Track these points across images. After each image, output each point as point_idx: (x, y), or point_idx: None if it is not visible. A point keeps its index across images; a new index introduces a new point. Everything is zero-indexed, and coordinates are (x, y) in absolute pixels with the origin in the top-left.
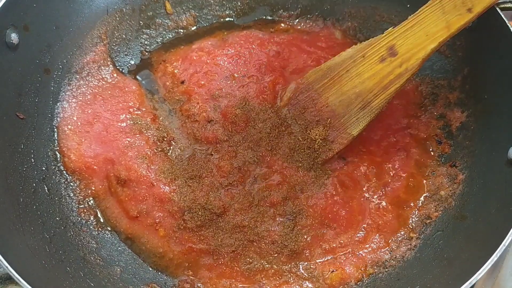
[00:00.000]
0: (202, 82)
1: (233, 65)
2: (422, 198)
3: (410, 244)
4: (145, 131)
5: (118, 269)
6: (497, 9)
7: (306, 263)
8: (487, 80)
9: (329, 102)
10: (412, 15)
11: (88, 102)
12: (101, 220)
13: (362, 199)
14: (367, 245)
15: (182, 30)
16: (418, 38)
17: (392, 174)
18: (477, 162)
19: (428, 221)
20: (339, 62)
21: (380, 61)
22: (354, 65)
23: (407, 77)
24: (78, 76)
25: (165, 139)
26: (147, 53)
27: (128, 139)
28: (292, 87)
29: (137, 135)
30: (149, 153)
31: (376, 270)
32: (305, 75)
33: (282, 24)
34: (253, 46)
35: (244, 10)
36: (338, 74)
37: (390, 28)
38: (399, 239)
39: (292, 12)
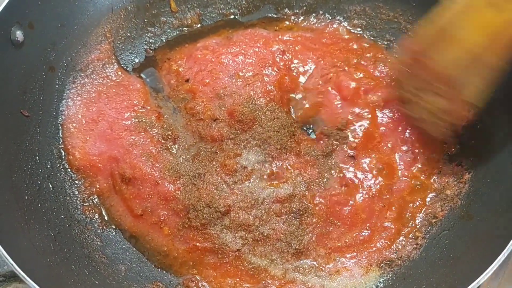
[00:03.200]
0: (207, 81)
1: (238, 64)
2: (428, 198)
3: (416, 244)
4: (149, 129)
5: (123, 267)
6: None
7: (311, 261)
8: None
9: (443, 66)
10: None
11: (93, 100)
12: (106, 218)
13: (367, 197)
14: (372, 244)
15: (186, 28)
16: None
17: (398, 174)
18: (483, 161)
19: (434, 220)
20: (449, 17)
21: (488, 5)
22: (465, 18)
23: None
24: (82, 74)
25: (169, 137)
26: (151, 51)
27: (133, 137)
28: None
29: (142, 133)
30: (154, 151)
31: (382, 270)
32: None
33: (287, 22)
34: (258, 44)
35: (249, 8)
36: (451, 33)
37: None
38: (405, 238)
39: (297, 11)
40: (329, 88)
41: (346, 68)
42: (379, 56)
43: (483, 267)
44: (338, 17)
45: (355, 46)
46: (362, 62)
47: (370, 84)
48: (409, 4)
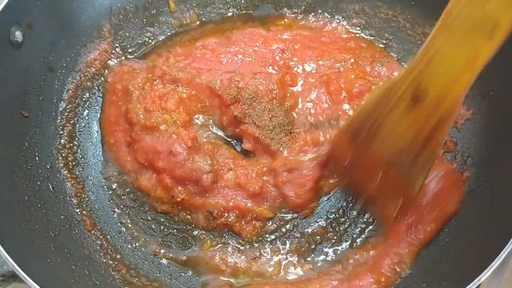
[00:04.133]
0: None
1: (238, 63)
2: None
3: None
4: None
5: (124, 268)
6: None
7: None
8: (493, 77)
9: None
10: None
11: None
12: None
13: None
14: None
15: (185, 28)
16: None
17: None
18: (483, 159)
19: None
20: (370, 109)
21: (409, 111)
22: (386, 115)
23: (450, 121)
24: (82, 74)
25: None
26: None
27: None
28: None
29: None
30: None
31: None
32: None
33: (286, 20)
34: (257, 43)
35: (248, 8)
36: (374, 123)
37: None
38: None
39: (296, 10)
40: (322, 90)
41: (342, 69)
42: (377, 56)
43: (483, 266)
44: (337, 16)
45: (353, 45)
46: (360, 62)
47: (366, 86)
48: (408, 3)
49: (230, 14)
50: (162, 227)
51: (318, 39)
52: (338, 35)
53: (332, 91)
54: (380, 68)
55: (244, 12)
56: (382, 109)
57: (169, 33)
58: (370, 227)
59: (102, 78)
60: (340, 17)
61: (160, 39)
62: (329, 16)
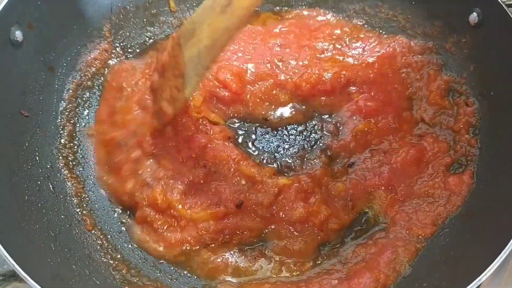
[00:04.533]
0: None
1: (238, 60)
2: None
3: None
4: None
5: (124, 267)
6: (503, 6)
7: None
8: (493, 77)
9: (185, 59)
10: None
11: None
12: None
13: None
14: None
15: None
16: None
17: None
18: (483, 159)
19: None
20: (201, 14)
21: (219, 13)
22: (203, 20)
23: (232, 33)
24: (82, 74)
25: None
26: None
27: None
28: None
29: None
30: None
31: None
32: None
33: (288, 16)
34: (256, 41)
35: None
36: (198, 27)
37: None
38: None
39: (297, 11)
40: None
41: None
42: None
43: (484, 266)
44: (338, 16)
45: (338, 31)
46: (337, 45)
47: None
48: (409, 2)
49: None
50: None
51: (315, 36)
52: (326, 22)
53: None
54: (355, 43)
55: None
56: (204, 15)
57: (169, 33)
58: (370, 226)
59: (102, 77)
60: (341, 17)
61: (160, 38)
62: (330, 16)
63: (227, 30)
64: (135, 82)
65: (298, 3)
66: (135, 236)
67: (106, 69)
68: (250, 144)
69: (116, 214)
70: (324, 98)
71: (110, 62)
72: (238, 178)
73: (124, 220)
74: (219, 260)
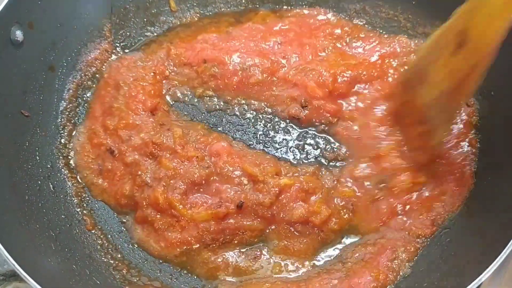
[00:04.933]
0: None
1: (238, 58)
2: None
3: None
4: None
5: (124, 267)
6: None
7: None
8: (493, 77)
9: (421, 102)
10: None
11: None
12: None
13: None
14: None
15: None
16: (484, 15)
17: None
18: (483, 158)
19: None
20: (421, 58)
21: (453, 54)
22: (434, 61)
23: (482, 68)
24: (82, 74)
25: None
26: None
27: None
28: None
29: None
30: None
31: None
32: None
33: (288, 14)
34: (256, 38)
35: (248, 7)
36: (431, 69)
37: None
38: None
39: (298, 10)
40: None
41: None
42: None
43: (484, 266)
44: (339, 15)
45: (339, 31)
46: (338, 45)
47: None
48: (409, 2)
49: (231, 13)
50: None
51: (315, 35)
52: (326, 21)
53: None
54: (356, 43)
55: (244, 10)
56: (433, 55)
57: (169, 33)
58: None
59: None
60: (341, 16)
61: (160, 37)
62: (331, 15)
63: (468, 73)
64: (134, 78)
65: (298, 2)
66: (136, 236)
67: (106, 68)
68: (252, 143)
69: (116, 214)
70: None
71: (111, 61)
72: (240, 178)
73: (124, 220)
74: (219, 260)
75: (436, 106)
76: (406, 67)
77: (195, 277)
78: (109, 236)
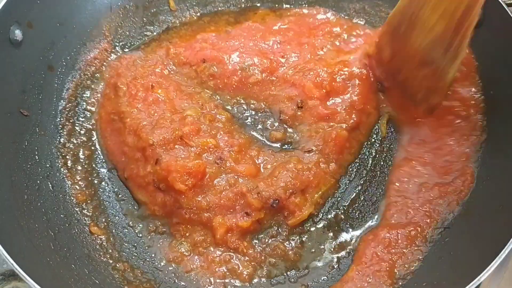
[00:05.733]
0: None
1: (238, 57)
2: None
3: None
4: None
5: (123, 266)
6: (504, 5)
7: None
8: (494, 76)
9: (419, 43)
10: None
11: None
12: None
13: None
14: None
15: (185, 27)
16: None
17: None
18: (483, 158)
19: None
20: (407, 4)
21: None
22: (422, 5)
23: (477, 7)
24: (82, 73)
25: None
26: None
27: None
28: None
29: None
30: None
31: None
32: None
33: (287, 13)
34: (255, 37)
35: (247, 6)
36: (413, 16)
37: None
38: None
39: (297, 10)
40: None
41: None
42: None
43: (483, 266)
44: (338, 14)
45: (338, 29)
46: (336, 43)
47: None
48: None
49: (230, 12)
50: (162, 227)
51: (314, 34)
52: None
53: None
54: (355, 41)
55: (244, 9)
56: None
57: (169, 32)
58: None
59: (100, 76)
60: (341, 15)
61: (160, 37)
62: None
63: (468, 8)
64: (133, 77)
65: (298, 2)
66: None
67: (106, 68)
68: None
69: (116, 213)
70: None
71: (110, 60)
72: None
73: (125, 219)
74: (219, 259)
75: (438, 47)
76: (390, 15)
77: (196, 277)
78: (108, 236)
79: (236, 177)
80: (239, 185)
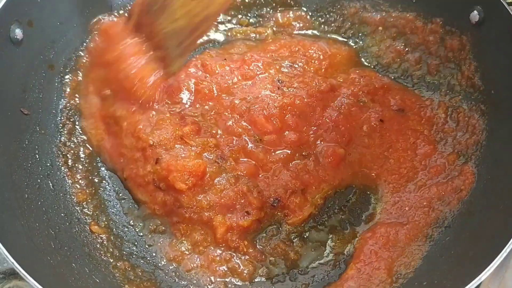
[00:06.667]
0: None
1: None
2: None
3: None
4: None
5: (124, 265)
6: (505, 4)
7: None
8: (494, 75)
9: (163, 27)
10: None
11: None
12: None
13: None
14: None
15: None
16: None
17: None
18: (483, 158)
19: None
20: None
21: None
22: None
23: (211, 21)
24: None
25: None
26: None
27: None
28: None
29: None
30: None
31: None
32: None
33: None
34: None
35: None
36: (165, 1)
37: None
38: None
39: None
40: None
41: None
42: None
43: (484, 265)
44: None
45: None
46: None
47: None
48: (410, 0)
49: None
50: (162, 226)
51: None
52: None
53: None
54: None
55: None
56: None
57: None
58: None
59: None
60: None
61: None
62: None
63: (205, 19)
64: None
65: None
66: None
67: None
68: None
69: (116, 213)
70: None
71: None
72: None
73: (125, 218)
74: (219, 259)
75: (174, 39)
76: None
77: (197, 276)
78: (109, 235)
79: (236, 176)
80: (239, 184)
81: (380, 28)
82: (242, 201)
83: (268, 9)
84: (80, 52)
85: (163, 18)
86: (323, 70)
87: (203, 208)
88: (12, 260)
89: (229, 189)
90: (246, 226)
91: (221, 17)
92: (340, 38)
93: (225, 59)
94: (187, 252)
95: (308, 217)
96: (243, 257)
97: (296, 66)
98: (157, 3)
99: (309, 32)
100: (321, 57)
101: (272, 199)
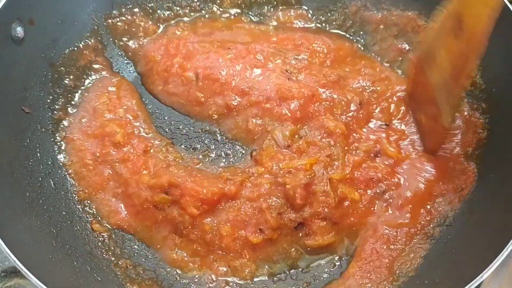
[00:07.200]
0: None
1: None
2: None
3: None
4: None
5: (125, 264)
6: (506, 1)
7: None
8: (495, 74)
9: (433, 83)
10: None
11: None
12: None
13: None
14: None
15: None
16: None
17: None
18: (483, 157)
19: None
20: (430, 40)
21: (455, 36)
22: (441, 45)
23: (476, 53)
24: (83, 71)
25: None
26: None
27: None
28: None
29: None
30: None
31: None
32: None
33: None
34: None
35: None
36: (437, 52)
37: None
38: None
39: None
40: None
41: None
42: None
43: (484, 265)
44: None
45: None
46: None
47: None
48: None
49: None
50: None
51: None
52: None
53: None
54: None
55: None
56: (439, 39)
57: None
58: None
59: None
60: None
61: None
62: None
63: (467, 57)
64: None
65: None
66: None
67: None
68: None
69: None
70: None
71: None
72: None
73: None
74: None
75: (444, 89)
76: (417, 48)
77: (197, 276)
78: (110, 233)
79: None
80: (259, 202)
81: (382, 26)
82: (258, 216)
83: (269, 7)
84: (81, 51)
85: (435, 70)
86: (328, 63)
87: (205, 232)
88: (14, 258)
89: (248, 205)
90: (255, 243)
91: (222, 18)
92: (342, 33)
93: None
94: (186, 258)
95: (327, 246)
96: (244, 257)
97: (301, 58)
98: (429, 57)
99: (312, 25)
100: (325, 50)
101: (294, 222)
